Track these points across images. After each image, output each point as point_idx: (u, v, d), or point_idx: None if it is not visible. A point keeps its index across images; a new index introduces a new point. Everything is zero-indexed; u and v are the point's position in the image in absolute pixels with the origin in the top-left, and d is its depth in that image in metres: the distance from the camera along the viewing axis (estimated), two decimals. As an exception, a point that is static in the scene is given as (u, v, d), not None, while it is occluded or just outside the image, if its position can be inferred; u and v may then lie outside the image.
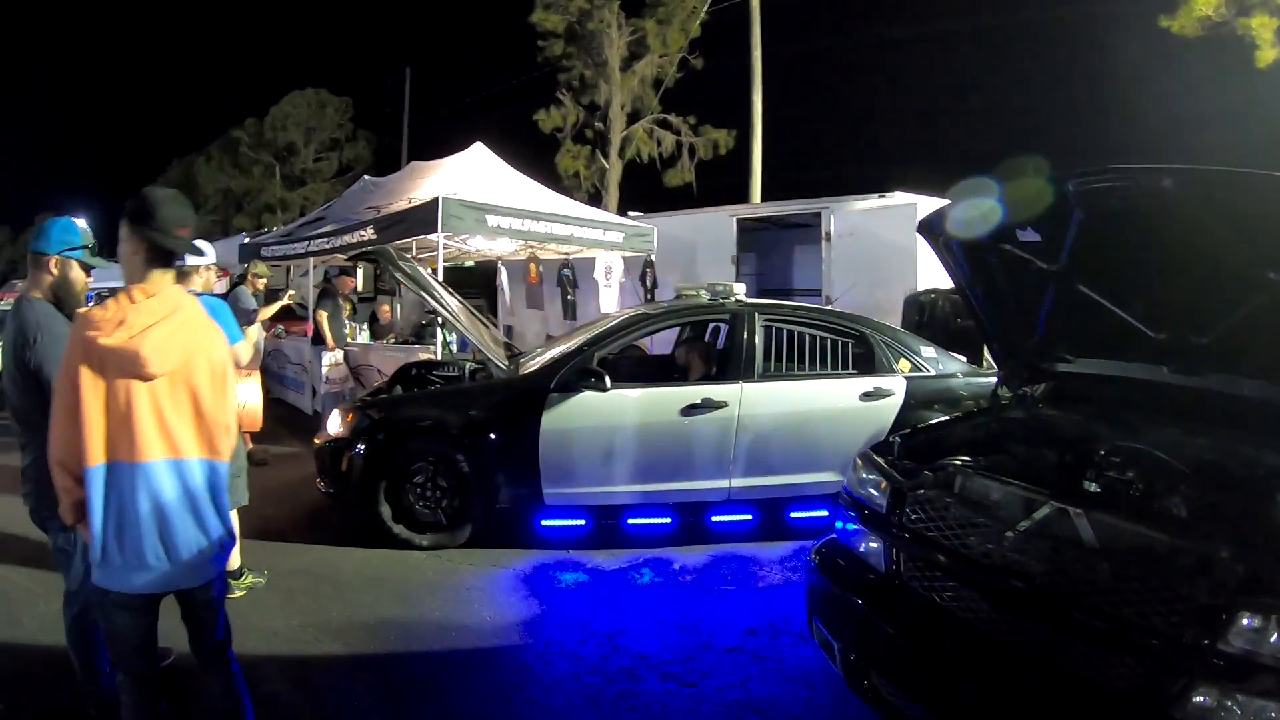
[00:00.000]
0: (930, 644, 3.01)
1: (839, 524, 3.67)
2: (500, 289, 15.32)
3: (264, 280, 9.98)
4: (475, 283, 16.69)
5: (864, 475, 3.59)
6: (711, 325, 7.58)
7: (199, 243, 5.42)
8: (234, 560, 5.29)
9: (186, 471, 2.70)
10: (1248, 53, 15.35)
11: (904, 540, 3.25)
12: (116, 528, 2.64)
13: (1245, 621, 2.26)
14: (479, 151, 12.09)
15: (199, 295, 5.09)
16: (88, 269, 3.50)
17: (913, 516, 3.25)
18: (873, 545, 3.41)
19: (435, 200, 9.19)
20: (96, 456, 2.61)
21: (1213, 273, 3.16)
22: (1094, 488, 3.21)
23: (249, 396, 9.14)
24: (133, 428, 2.61)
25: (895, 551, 3.28)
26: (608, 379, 5.87)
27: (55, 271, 3.39)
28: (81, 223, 3.52)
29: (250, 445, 9.16)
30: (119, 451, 2.62)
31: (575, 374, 5.94)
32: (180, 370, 2.67)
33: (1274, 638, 2.22)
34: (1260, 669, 2.21)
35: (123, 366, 2.59)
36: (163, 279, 2.74)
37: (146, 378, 2.61)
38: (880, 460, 3.58)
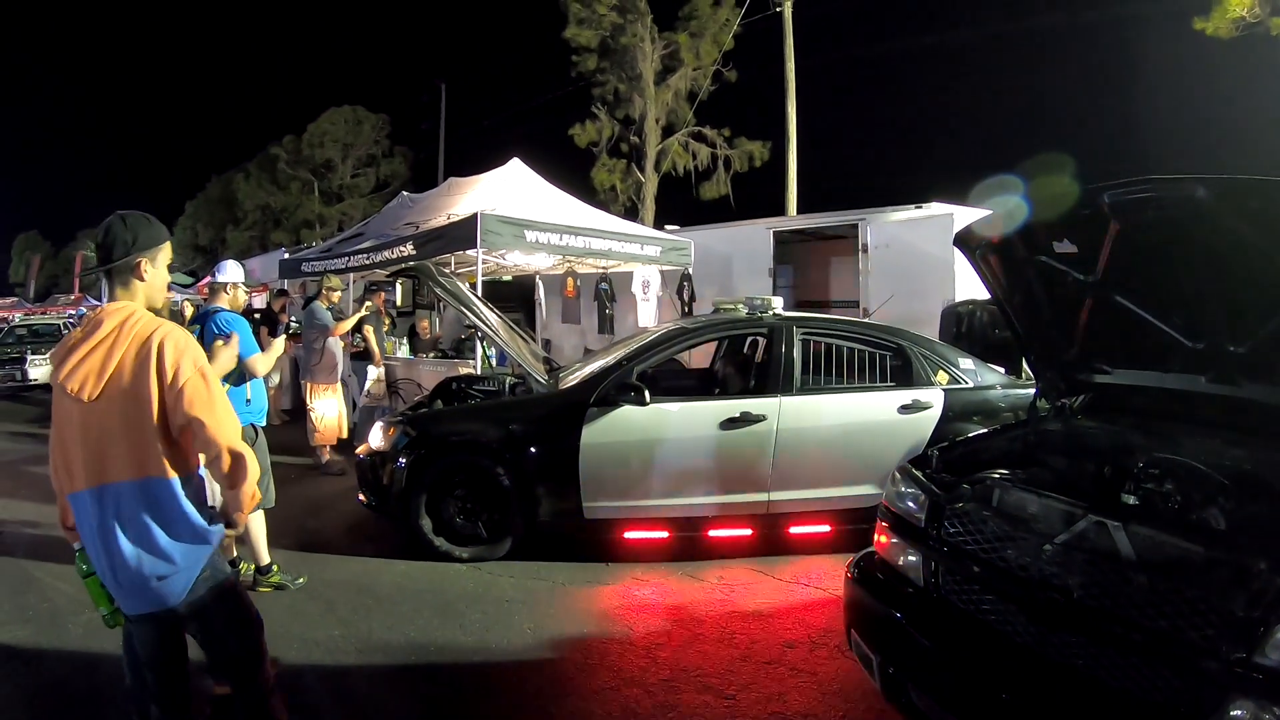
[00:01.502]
0: (968, 657, 3.01)
1: (877, 537, 3.69)
2: (538, 303, 15.47)
3: (338, 294, 10.26)
4: (513, 296, 16.84)
5: (902, 489, 3.60)
6: (750, 339, 7.59)
7: (224, 263, 5.80)
8: (263, 556, 5.46)
9: (117, 495, 2.65)
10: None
11: (942, 553, 3.26)
12: (88, 549, 2.75)
13: None
14: (516, 167, 12.22)
15: (220, 311, 5.37)
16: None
17: (951, 530, 3.26)
18: (911, 559, 3.42)
19: (474, 216, 9.33)
20: (67, 485, 2.74)
21: (1249, 281, 3.15)
22: (1132, 500, 3.21)
23: (327, 410, 9.47)
24: (80, 453, 2.65)
25: (933, 565, 3.29)
26: (647, 393, 5.89)
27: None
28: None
29: (328, 455, 9.46)
30: (77, 479, 2.68)
31: (615, 388, 5.98)
32: (108, 389, 2.62)
33: None
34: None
35: (59, 393, 2.66)
36: (111, 300, 2.77)
37: (76, 402, 2.62)
38: (918, 474, 3.59)
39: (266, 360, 5.43)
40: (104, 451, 2.63)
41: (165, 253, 2.88)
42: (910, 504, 3.52)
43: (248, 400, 5.40)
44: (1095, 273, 3.64)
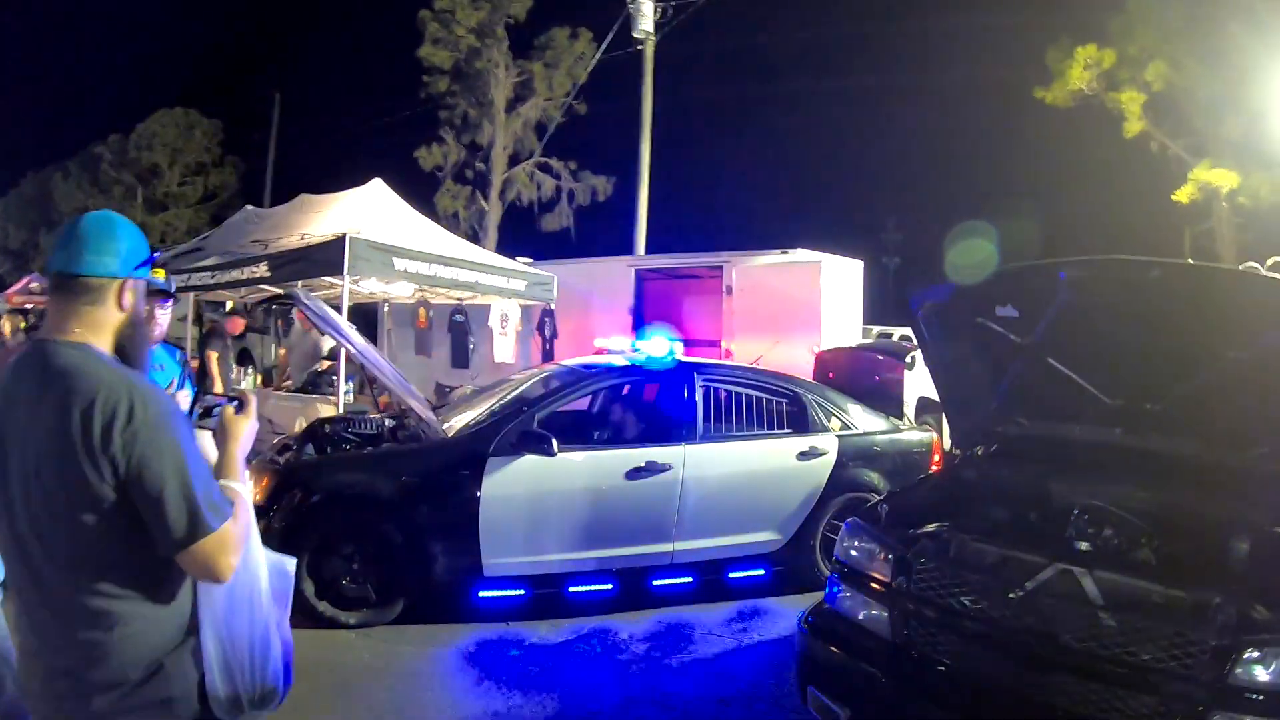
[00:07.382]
0: (952, 706, 3.10)
1: (831, 589, 3.70)
2: (385, 333, 14.79)
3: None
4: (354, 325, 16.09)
5: (858, 543, 3.65)
6: (621, 385, 7.20)
7: None
8: None
9: None
10: (1116, 124, 16.70)
11: (912, 607, 3.33)
12: None
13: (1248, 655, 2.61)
14: (378, 188, 11.54)
15: None
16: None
17: (920, 583, 3.33)
18: (874, 613, 3.46)
19: (341, 239, 8.77)
20: None
21: (1175, 349, 3.50)
22: (1086, 546, 3.33)
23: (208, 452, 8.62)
24: None
25: (903, 618, 3.34)
26: (555, 443, 5.60)
27: (127, 305, 2.02)
28: None
29: None
30: None
31: (518, 437, 5.65)
32: None
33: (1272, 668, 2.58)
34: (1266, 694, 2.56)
35: None
36: None
37: None
38: (873, 528, 3.64)
39: None
40: None
41: None
42: (869, 558, 3.55)
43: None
44: (1032, 335, 3.84)
